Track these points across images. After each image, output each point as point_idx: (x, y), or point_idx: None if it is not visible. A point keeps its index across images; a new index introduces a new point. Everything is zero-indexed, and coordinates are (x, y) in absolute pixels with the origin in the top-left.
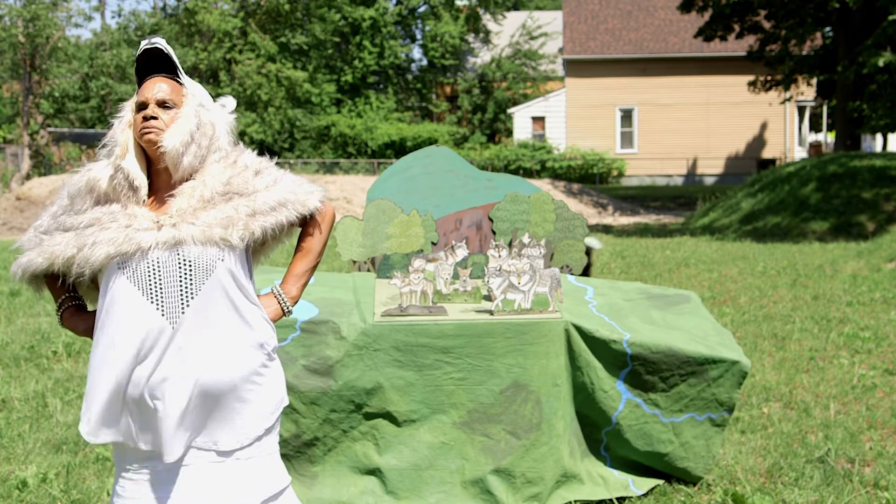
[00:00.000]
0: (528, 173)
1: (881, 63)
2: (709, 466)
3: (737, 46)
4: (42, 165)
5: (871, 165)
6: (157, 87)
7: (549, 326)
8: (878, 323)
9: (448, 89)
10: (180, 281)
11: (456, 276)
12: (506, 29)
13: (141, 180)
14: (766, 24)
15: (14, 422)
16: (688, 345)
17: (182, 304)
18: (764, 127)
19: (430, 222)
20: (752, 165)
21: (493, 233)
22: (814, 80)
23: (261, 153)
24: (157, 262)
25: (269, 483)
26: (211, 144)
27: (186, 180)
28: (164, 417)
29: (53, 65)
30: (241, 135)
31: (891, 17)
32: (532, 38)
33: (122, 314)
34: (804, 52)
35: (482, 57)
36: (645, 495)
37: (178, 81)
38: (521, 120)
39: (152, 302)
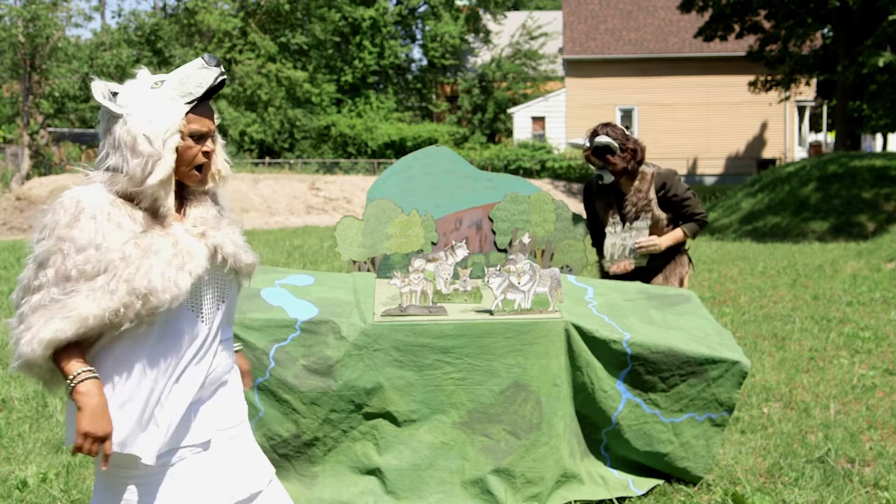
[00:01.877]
0: (528, 173)
1: (881, 63)
2: (709, 466)
3: (737, 46)
4: (42, 165)
5: (871, 165)
6: (211, 118)
7: (549, 326)
8: (878, 323)
9: (448, 89)
10: (216, 286)
11: (456, 276)
12: (506, 29)
13: (170, 208)
14: (766, 24)
15: (14, 422)
16: (688, 345)
17: (216, 307)
18: (764, 127)
19: (430, 222)
20: (752, 165)
21: (493, 233)
22: (814, 80)
23: (261, 153)
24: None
25: (266, 463)
26: None
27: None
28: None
29: (53, 65)
30: (241, 135)
31: (891, 17)
32: (532, 38)
33: (172, 330)
34: (804, 52)
35: (482, 57)
36: (645, 495)
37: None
38: (521, 120)
39: (192, 310)
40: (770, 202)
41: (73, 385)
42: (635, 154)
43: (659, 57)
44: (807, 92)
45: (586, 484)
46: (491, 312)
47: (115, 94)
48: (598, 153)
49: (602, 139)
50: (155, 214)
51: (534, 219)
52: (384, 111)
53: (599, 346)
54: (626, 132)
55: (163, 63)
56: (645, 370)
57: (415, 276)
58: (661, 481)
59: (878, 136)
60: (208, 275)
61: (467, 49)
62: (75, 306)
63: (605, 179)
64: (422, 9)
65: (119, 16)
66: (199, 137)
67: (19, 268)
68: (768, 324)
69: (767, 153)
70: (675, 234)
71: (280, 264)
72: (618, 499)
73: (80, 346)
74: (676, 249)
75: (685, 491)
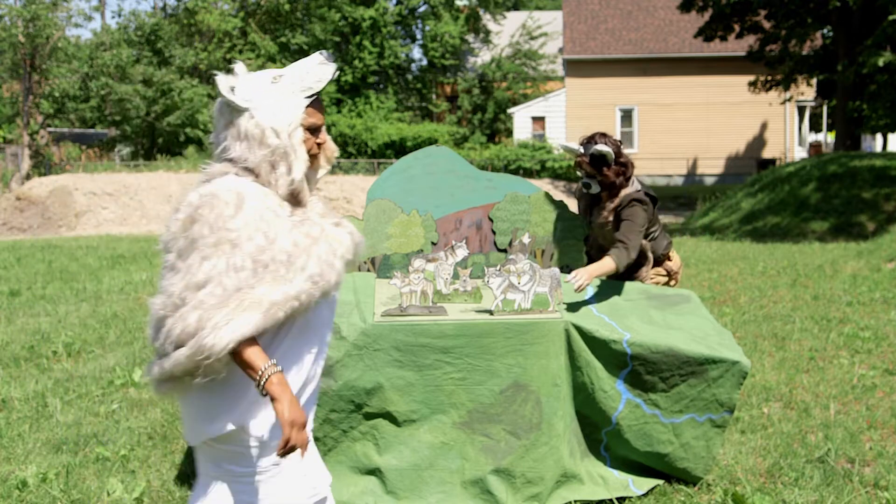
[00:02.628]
0: (528, 173)
1: (881, 63)
2: (709, 467)
3: (737, 46)
4: (42, 165)
5: (871, 165)
6: (324, 112)
7: (549, 326)
8: (878, 323)
9: (448, 89)
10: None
11: (456, 276)
12: (506, 29)
13: (307, 195)
14: (766, 24)
15: (14, 422)
16: (688, 345)
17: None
18: (764, 127)
19: (430, 222)
20: (752, 165)
21: (493, 233)
22: (814, 80)
23: None
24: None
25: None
26: None
27: None
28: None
29: (53, 65)
30: None
31: (891, 17)
32: (532, 38)
33: (317, 317)
34: (804, 52)
35: (482, 57)
36: (645, 495)
37: None
38: (521, 120)
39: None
40: (770, 202)
41: (266, 377)
42: (626, 169)
43: (659, 57)
44: (807, 92)
45: (586, 484)
46: (491, 313)
47: (232, 88)
48: (594, 162)
49: (602, 148)
50: (294, 202)
51: (534, 219)
52: (384, 111)
53: (599, 346)
54: (620, 145)
55: (163, 63)
56: (645, 370)
57: (415, 276)
58: (661, 481)
59: (878, 136)
60: None
61: (467, 49)
62: (261, 296)
63: (592, 189)
64: (422, 9)
65: (119, 16)
66: (315, 130)
67: (19, 267)
68: (768, 324)
69: (767, 153)
70: (603, 264)
71: None
72: (618, 499)
73: (258, 339)
74: (638, 265)
75: (685, 491)
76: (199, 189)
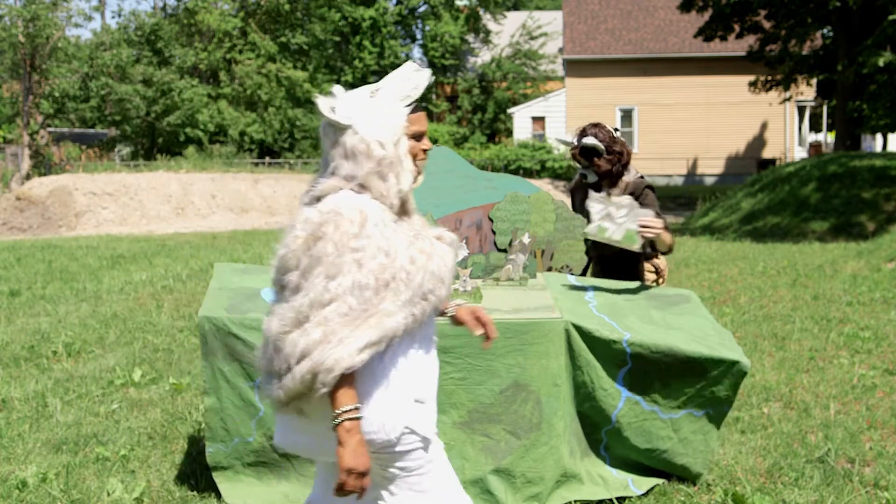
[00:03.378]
0: (528, 173)
1: (881, 63)
2: (707, 462)
3: (737, 46)
4: (42, 165)
5: (871, 165)
6: (424, 118)
7: (549, 326)
8: (878, 323)
9: (448, 89)
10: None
11: (456, 276)
12: (506, 29)
13: (414, 206)
14: (766, 24)
15: (14, 422)
16: (688, 345)
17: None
18: (764, 127)
19: (430, 222)
20: (752, 165)
21: (493, 233)
22: (814, 80)
23: (261, 153)
24: None
25: None
26: None
27: None
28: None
29: (53, 65)
30: (241, 135)
31: (891, 17)
32: (532, 38)
33: (428, 327)
34: (804, 52)
35: (482, 57)
36: (645, 495)
37: None
38: (521, 120)
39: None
40: (770, 202)
41: (342, 420)
42: (621, 157)
43: (659, 57)
44: (807, 92)
45: (586, 484)
46: (586, 234)
47: (332, 108)
48: (584, 153)
49: (589, 140)
50: (402, 213)
51: (534, 219)
52: None
53: (599, 346)
54: (614, 134)
55: (163, 63)
56: (645, 370)
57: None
58: (660, 481)
59: (878, 136)
60: None
61: (467, 49)
62: (383, 315)
63: (590, 178)
64: (422, 9)
65: (119, 16)
66: (418, 137)
67: (19, 267)
68: (768, 324)
69: (767, 153)
70: (667, 237)
71: None
72: (617, 499)
73: (353, 376)
74: (641, 258)
75: (685, 491)
76: (316, 206)
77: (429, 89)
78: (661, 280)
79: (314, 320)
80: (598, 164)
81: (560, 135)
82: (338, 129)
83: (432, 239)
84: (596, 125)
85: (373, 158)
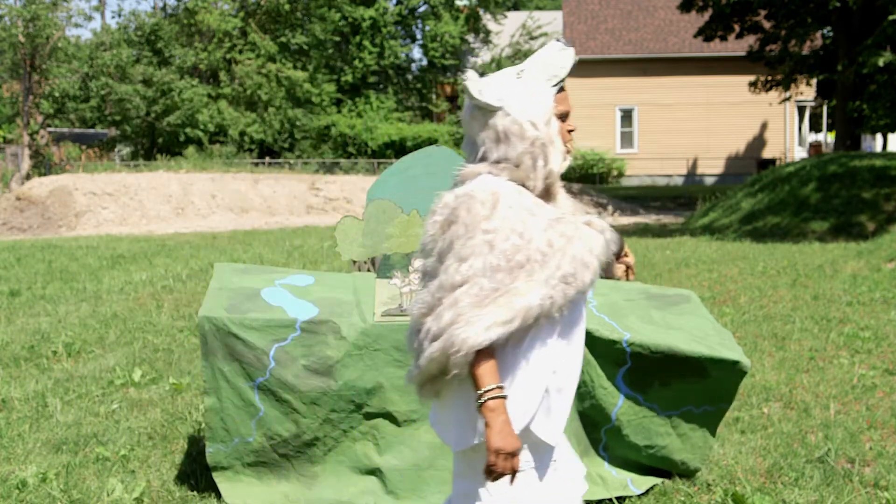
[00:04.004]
0: None
1: (881, 63)
2: (705, 457)
3: (737, 46)
4: (42, 165)
5: (871, 165)
6: (568, 98)
7: None
8: (878, 323)
9: (448, 89)
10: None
11: None
12: (506, 29)
13: (561, 189)
14: (766, 24)
15: (14, 422)
16: (688, 345)
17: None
18: (764, 127)
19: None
20: (752, 165)
21: None
22: (814, 80)
23: (261, 153)
24: None
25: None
26: None
27: None
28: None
29: (53, 65)
30: (241, 135)
31: (891, 17)
32: (532, 38)
33: (573, 314)
34: (804, 52)
35: (482, 57)
36: (644, 494)
37: None
38: None
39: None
40: (770, 202)
41: (485, 399)
42: None
43: (659, 57)
44: (807, 92)
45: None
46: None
47: (480, 91)
48: None
49: None
50: (546, 196)
51: None
52: (384, 111)
53: (599, 346)
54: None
55: (163, 63)
56: (645, 370)
57: (415, 276)
58: (660, 480)
59: (878, 136)
60: None
61: (467, 49)
62: (515, 295)
63: None
64: (422, 9)
65: (119, 16)
66: (564, 117)
67: (19, 267)
68: (768, 324)
69: (767, 153)
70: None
71: (280, 264)
72: (617, 498)
73: (495, 355)
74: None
75: (685, 491)
76: (454, 190)
77: (429, 89)
78: (631, 275)
79: (446, 303)
80: None
81: None
82: (487, 112)
83: (578, 223)
84: None
85: (526, 139)
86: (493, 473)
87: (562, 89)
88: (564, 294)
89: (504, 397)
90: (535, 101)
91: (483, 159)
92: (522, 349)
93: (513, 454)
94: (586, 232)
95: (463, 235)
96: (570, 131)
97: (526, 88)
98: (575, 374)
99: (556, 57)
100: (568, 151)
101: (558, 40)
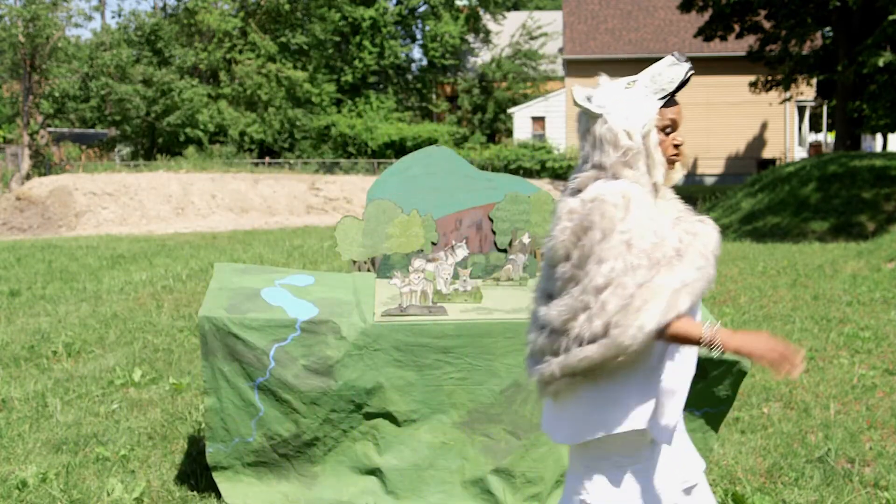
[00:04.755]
0: (528, 173)
1: (881, 63)
2: (706, 459)
3: (737, 46)
4: (42, 165)
5: (871, 165)
6: (679, 112)
7: None
8: (878, 323)
9: (448, 89)
10: None
11: (456, 276)
12: (506, 29)
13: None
14: (766, 24)
15: (14, 422)
16: None
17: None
18: (764, 127)
19: (430, 222)
20: (752, 165)
21: (493, 233)
22: (814, 80)
23: (261, 153)
24: None
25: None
26: None
27: None
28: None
29: (53, 65)
30: (241, 135)
31: (891, 17)
32: (532, 38)
33: (694, 314)
34: (804, 52)
35: (482, 57)
36: None
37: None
38: (521, 120)
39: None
40: (770, 202)
41: (712, 343)
42: None
43: (659, 57)
44: (807, 92)
45: None
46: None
47: (588, 98)
48: None
49: None
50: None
51: (534, 219)
52: (384, 111)
53: None
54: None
55: (163, 63)
56: None
57: (415, 276)
58: None
59: (878, 136)
60: None
61: (467, 49)
62: (660, 286)
63: None
64: (422, 9)
65: (119, 16)
66: (670, 130)
67: (19, 267)
68: (768, 324)
69: (767, 153)
70: None
71: (280, 264)
72: None
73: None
74: None
75: None
76: (579, 196)
77: (429, 89)
78: None
79: (595, 307)
80: None
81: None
82: (590, 117)
83: (695, 220)
84: None
85: (619, 148)
86: (781, 366)
87: (673, 103)
88: (702, 285)
89: (719, 325)
90: (635, 111)
91: (585, 162)
92: (660, 355)
93: (775, 348)
94: (704, 227)
95: (601, 239)
96: (676, 145)
97: (630, 98)
98: (687, 377)
99: (667, 70)
100: (672, 163)
101: (674, 55)
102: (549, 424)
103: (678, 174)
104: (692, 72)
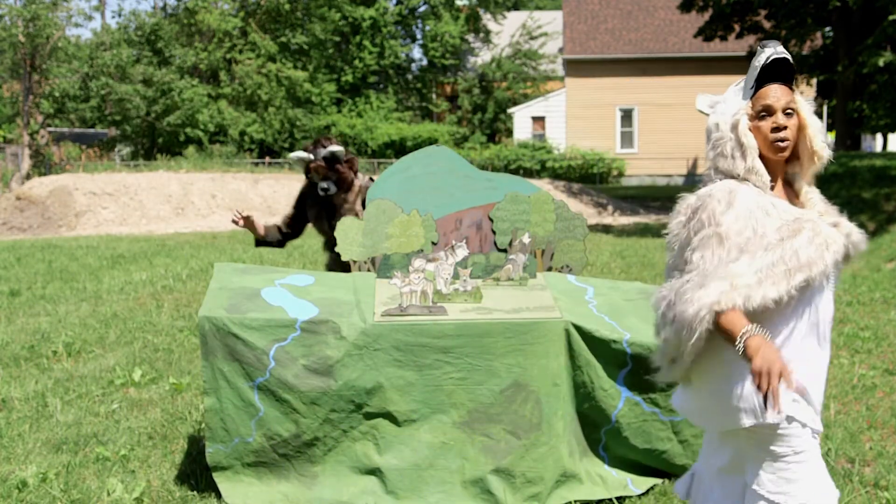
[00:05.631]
0: (528, 173)
1: (881, 63)
2: None
3: (737, 46)
4: (42, 165)
5: (871, 165)
6: (780, 95)
7: (549, 326)
8: (878, 323)
9: (448, 89)
10: (834, 269)
11: (456, 276)
12: (506, 29)
13: (767, 183)
14: (767, 24)
15: (14, 422)
16: None
17: (831, 287)
18: None
19: (430, 222)
20: None
21: (493, 233)
22: (814, 80)
23: (261, 153)
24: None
25: None
26: None
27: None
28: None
29: (53, 65)
30: (241, 135)
31: (891, 17)
32: (532, 38)
33: (813, 305)
34: (804, 52)
35: (482, 57)
36: (644, 494)
37: (791, 88)
38: (521, 120)
39: (825, 288)
40: None
41: (743, 340)
42: (352, 163)
43: (659, 57)
44: (807, 92)
45: (585, 484)
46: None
47: (710, 105)
48: (328, 162)
49: (333, 148)
50: (791, 197)
51: (534, 219)
52: (384, 111)
53: (599, 346)
54: (345, 144)
55: (163, 63)
56: (645, 370)
57: (415, 276)
58: (659, 480)
59: (878, 136)
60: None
61: (467, 49)
62: (729, 271)
63: (330, 190)
64: (422, 9)
65: (119, 16)
66: (766, 115)
67: (19, 267)
68: None
69: None
70: None
71: (280, 264)
72: (617, 498)
73: (735, 313)
74: None
75: None
76: (696, 192)
77: (429, 89)
78: None
79: (679, 291)
80: (341, 172)
81: (296, 153)
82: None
83: (816, 221)
84: (328, 138)
85: (711, 140)
86: (762, 389)
87: (761, 87)
88: (793, 282)
89: (759, 334)
90: (728, 105)
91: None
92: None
93: (775, 371)
94: (825, 230)
95: (700, 230)
96: (774, 128)
97: (729, 94)
98: (818, 374)
99: (754, 61)
100: (779, 149)
101: (763, 44)
102: (687, 409)
103: (812, 166)
104: (775, 54)
